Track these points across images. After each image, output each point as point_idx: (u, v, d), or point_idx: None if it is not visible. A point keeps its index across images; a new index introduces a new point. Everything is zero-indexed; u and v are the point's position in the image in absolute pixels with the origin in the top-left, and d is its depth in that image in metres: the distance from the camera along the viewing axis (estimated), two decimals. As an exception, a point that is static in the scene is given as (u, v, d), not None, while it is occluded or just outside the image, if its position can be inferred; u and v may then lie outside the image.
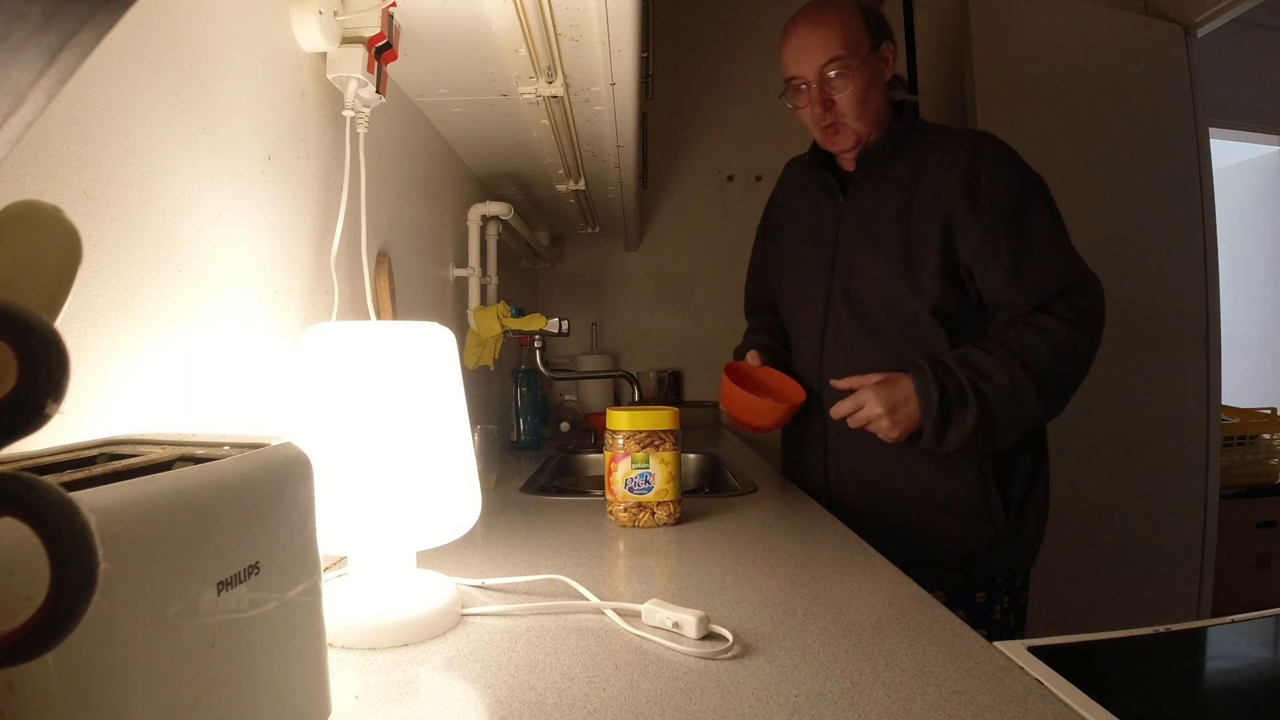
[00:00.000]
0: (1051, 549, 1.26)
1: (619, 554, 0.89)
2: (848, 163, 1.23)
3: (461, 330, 1.49)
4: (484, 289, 1.56)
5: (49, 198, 0.38)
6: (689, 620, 0.61)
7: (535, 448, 1.86)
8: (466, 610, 0.68)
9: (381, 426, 0.61)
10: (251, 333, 0.69)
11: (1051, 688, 0.52)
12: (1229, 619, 0.70)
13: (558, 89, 1.12)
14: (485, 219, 1.55)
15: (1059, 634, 0.63)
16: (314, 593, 0.43)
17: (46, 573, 0.21)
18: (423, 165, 1.27)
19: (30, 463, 0.35)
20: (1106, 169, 1.97)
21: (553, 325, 1.54)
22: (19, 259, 0.27)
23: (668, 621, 0.63)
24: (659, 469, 1.01)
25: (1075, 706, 0.49)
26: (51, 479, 0.29)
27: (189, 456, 0.38)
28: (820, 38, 1.12)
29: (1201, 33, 2.11)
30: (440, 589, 0.67)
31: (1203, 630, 0.70)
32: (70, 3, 0.20)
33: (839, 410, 1.14)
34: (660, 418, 1.03)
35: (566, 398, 2.19)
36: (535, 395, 1.90)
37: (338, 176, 0.86)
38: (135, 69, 0.53)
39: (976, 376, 1.06)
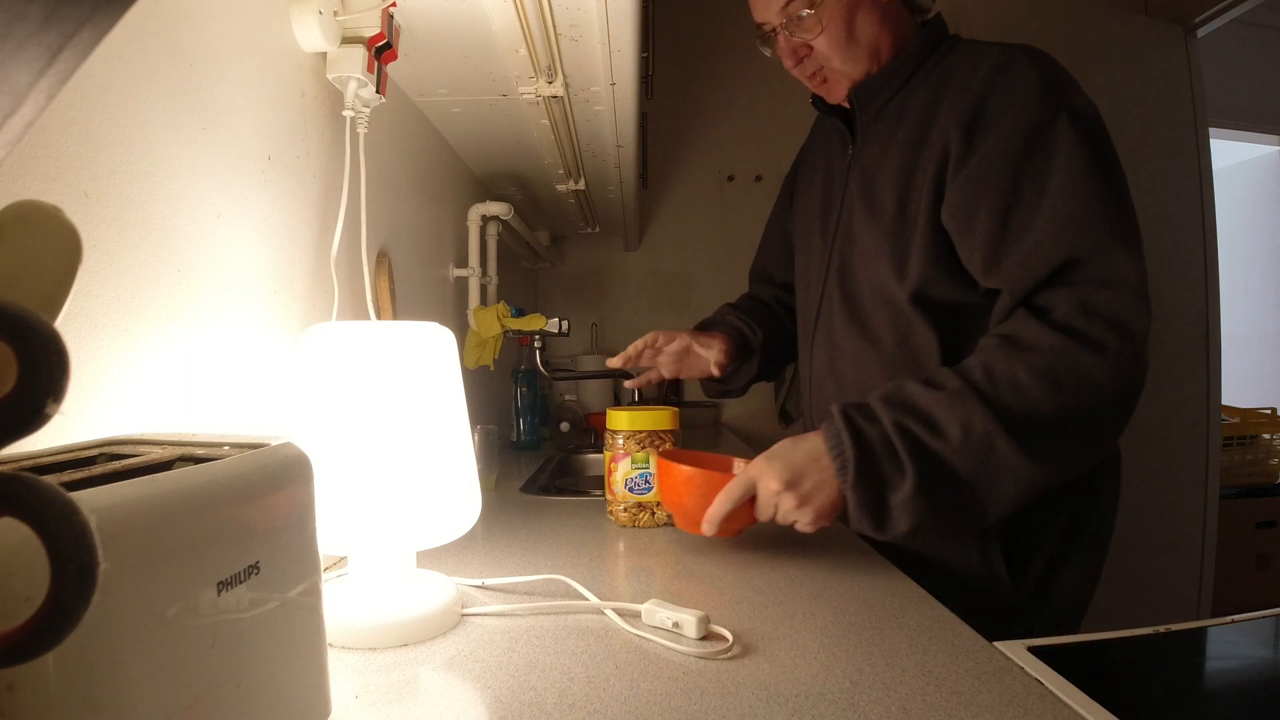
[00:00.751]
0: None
1: (619, 554, 0.89)
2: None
3: (461, 330, 1.49)
4: (484, 289, 1.56)
5: (49, 198, 0.38)
6: (689, 620, 0.61)
7: (535, 448, 1.86)
8: (466, 610, 0.68)
9: (381, 426, 0.61)
10: (251, 333, 0.69)
11: (1051, 688, 0.52)
12: (1229, 619, 0.70)
13: (558, 89, 1.12)
14: (485, 219, 1.55)
15: (1059, 634, 0.63)
16: (314, 593, 0.43)
17: (46, 573, 0.21)
18: (423, 165, 1.27)
19: (30, 463, 0.35)
20: (1106, 169, 1.97)
21: (553, 325, 1.54)
22: (19, 259, 0.27)
23: (668, 621, 0.63)
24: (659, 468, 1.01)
25: (1075, 706, 0.49)
26: (51, 479, 0.29)
27: (189, 456, 0.38)
28: None
29: (1201, 33, 2.11)
30: (440, 589, 0.67)
31: (1203, 630, 0.70)
32: (70, 3, 0.20)
33: (715, 516, 0.80)
34: (660, 418, 1.02)
35: (566, 398, 2.19)
36: (535, 395, 1.90)
37: (338, 176, 0.86)
38: (135, 69, 0.53)
39: (910, 419, 0.73)
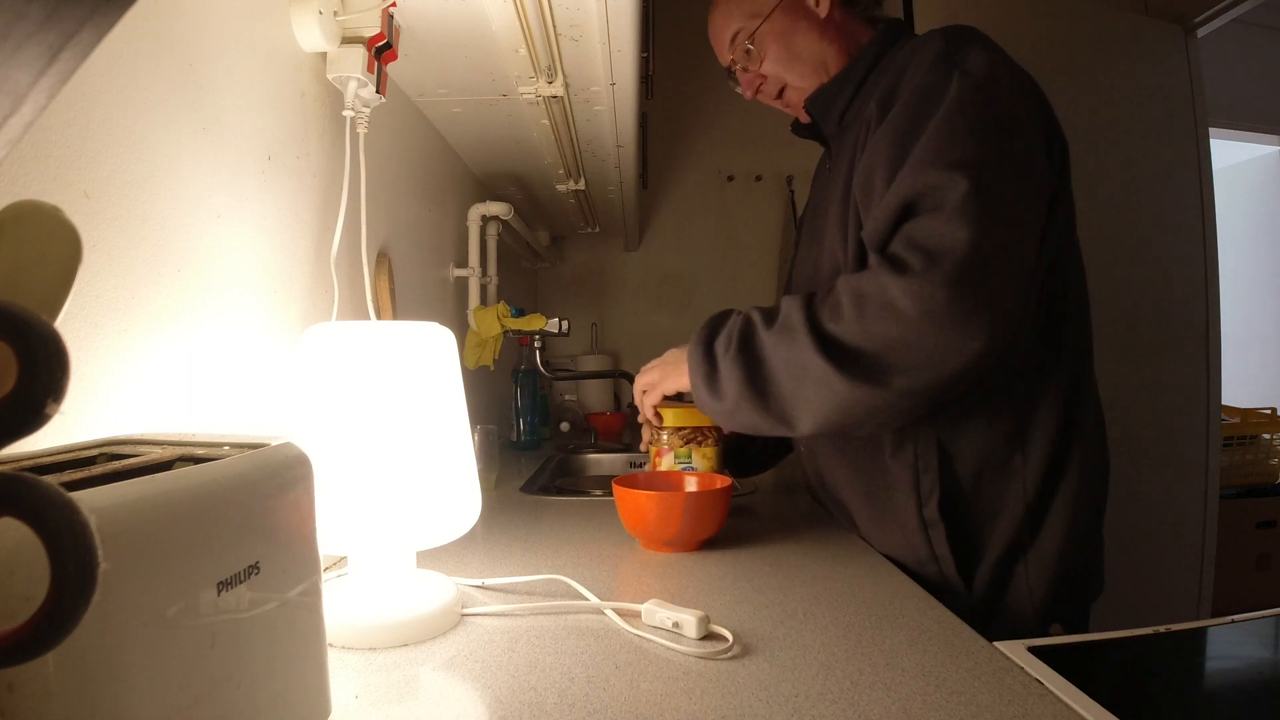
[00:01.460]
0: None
1: (619, 554, 0.89)
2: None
3: (461, 330, 1.49)
4: (484, 289, 1.56)
5: (49, 198, 0.38)
6: (689, 620, 0.61)
7: (535, 448, 1.86)
8: (466, 610, 0.68)
9: (381, 426, 0.61)
10: (251, 333, 0.69)
11: (1051, 688, 0.52)
12: (1229, 619, 0.70)
13: (558, 89, 1.12)
14: (485, 219, 1.55)
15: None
16: (314, 593, 0.43)
17: (46, 573, 0.21)
18: (423, 165, 1.27)
19: (30, 463, 0.35)
20: (1106, 169, 1.97)
21: (553, 325, 1.54)
22: (19, 259, 0.27)
23: (668, 621, 0.63)
24: (700, 463, 1.03)
25: (1075, 706, 0.49)
26: (51, 479, 0.29)
27: (189, 456, 0.38)
28: (719, 19, 0.99)
29: (1201, 33, 2.10)
30: (440, 589, 0.67)
31: (1203, 630, 0.70)
32: (70, 2, 0.20)
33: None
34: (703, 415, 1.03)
35: (566, 398, 2.19)
36: (535, 395, 1.90)
37: (338, 176, 0.86)
38: (135, 69, 0.53)
39: (756, 311, 0.81)
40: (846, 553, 0.87)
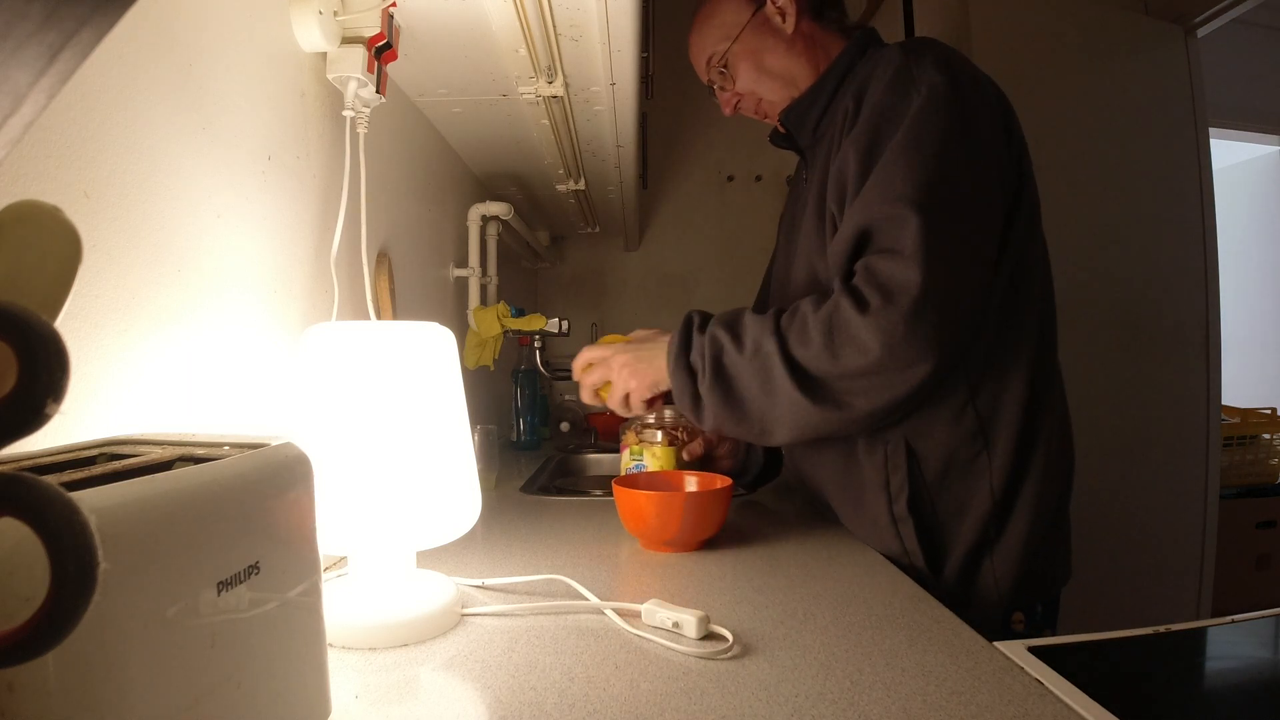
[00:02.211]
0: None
1: (619, 554, 0.89)
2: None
3: (461, 330, 1.49)
4: (484, 289, 1.56)
5: (49, 198, 0.38)
6: (689, 620, 0.61)
7: (535, 448, 1.86)
8: (466, 610, 0.68)
9: (381, 426, 0.61)
10: (251, 333, 0.69)
11: (1051, 688, 0.52)
12: (1229, 619, 0.70)
13: (558, 89, 1.12)
14: (485, 219, 1.55)
15: (1060, 634, 0.63)
16: (314, 593, 0.43)
17: (46, 573, 0.21)
18: (423, 165, 1.27)
19: (30, 463, 0.35)
20: (1106, 169, 1.97)
21: (553, 325, 1.54)
22: (19, 259, 0.27)
23: (668, 621, 0.63)
24: (651, 462, 1.06)
25: (1075, 706, 0.49)
26: (51, 479, 0.29)
27: (189, 456, 0.38)
28: (695, 42, 1.03)
29: (1201, 33, 2.10)
30: (440, 589, 0.67)
31: (1203, 630, 0.70)
32: (70, 2, 0.20)
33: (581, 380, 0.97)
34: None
35: (566, 398, 2.19)
36: (535, 395, 1.90)
37: (338, 176, 0.86)
38: (135, 69, 0.53)
39: (724, 331, 0.84)
40: (847, 553, 0.87)
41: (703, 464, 1.06)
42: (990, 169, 0.83)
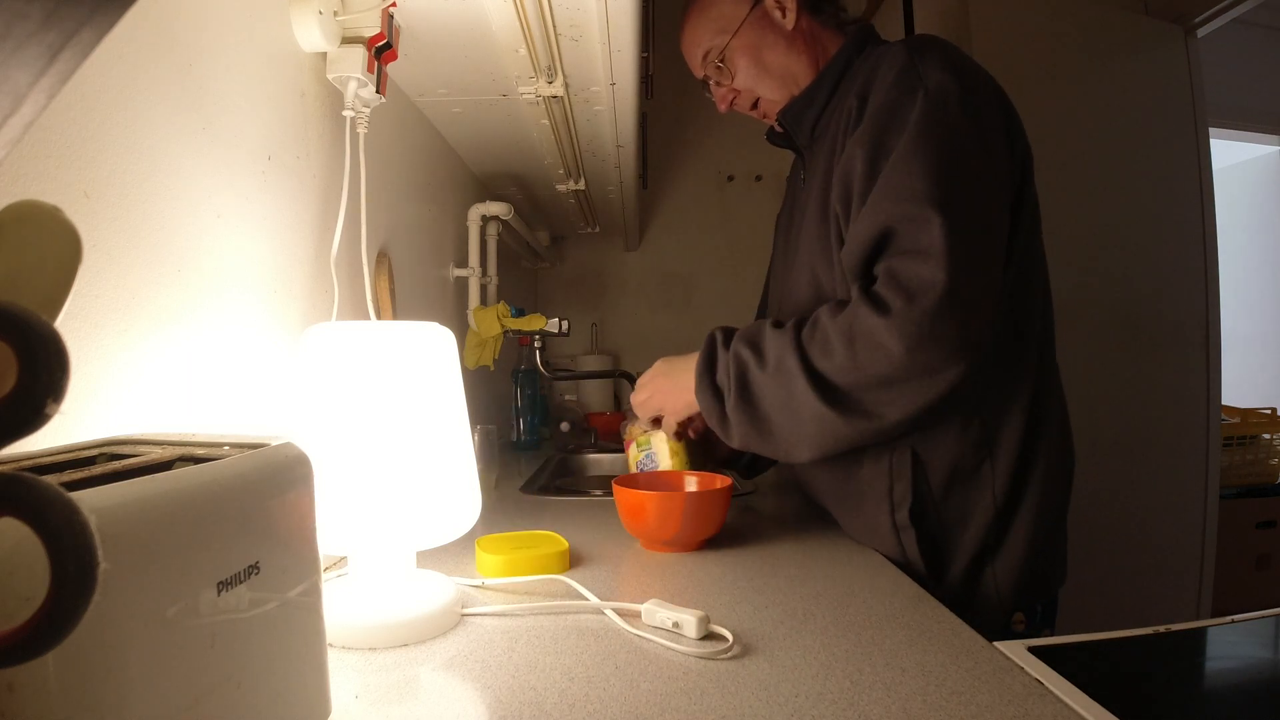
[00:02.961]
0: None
1: (619, 554, 0.89)
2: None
3: (461, 330, 1.49)
4: (484, 289, 1.56)
5: (49, 198, 0.38)
6: (689, 620, 0.61)
7: (535, 448, 1.86)
8: (466, 610, 0.68)
9: (381, 426, 0.61)
10: (251, 333, 0.69)
11: (1051, 688, 0.52)
12: (1229, 619, 0.70)
13: (558, 89, 1.12)
14: (485, 219, 1.55)
15: (1059, 634, 0.63)
16: (314, 593, 0.43)
17: (46, 573, 0.21)
18: (423, 165, 1.27)
19: (30, 463, 0.35)
20: (1106, 169, 1.97)
21: (553, 325, 1.54)
22: (19, 259, 0.27)
23: (668, 621, 0.63)
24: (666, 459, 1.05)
25: (1075, 706, 0.49)
26: (51, 479, 0.29)
27: (189, 456, 0.38)
28: (689, 36, 1.01)
29: (1201, 33, 2.10)
30: (440, 589, 0.67)
31: (1203, 630, 0.70)
32: (70, 2, 0.20)
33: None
34: None
35: (566, 398, 2.19)
36: (535, 395, 1.90)
37: (338, 176, 0.86)
38: (135, 69, 0.53)
39: (746, 348, 0.83)
40: (846, 553, 0.87)
41: (704, 443, 1.05)
42: (998, 169, 0.82)
